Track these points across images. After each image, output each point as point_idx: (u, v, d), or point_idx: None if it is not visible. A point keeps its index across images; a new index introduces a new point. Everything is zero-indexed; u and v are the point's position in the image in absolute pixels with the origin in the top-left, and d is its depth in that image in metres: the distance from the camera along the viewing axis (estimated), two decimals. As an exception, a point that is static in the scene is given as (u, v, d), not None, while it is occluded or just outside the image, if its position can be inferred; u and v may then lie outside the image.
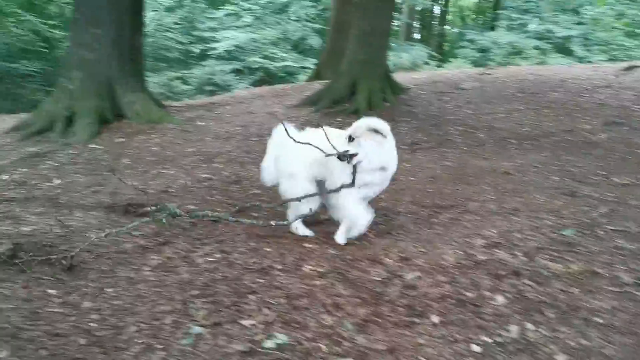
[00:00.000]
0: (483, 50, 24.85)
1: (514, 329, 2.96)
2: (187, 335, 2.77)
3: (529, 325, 3.00)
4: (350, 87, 9.40)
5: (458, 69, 16.29)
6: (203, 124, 8.79)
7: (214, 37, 22.50)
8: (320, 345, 2.75)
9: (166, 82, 20.00)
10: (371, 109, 8.91)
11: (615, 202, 5.02)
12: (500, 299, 3.26)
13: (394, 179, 4.35)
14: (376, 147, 3.85)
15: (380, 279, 3.45)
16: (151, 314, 2.93)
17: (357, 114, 8.78)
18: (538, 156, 6.50)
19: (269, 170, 4.43)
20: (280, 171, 4.26)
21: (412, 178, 5.91)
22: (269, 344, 2.71)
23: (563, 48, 24.64)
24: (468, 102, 9.67)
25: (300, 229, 4.25)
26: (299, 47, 23.13)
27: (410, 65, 19.80)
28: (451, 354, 2.74)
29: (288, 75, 21.11)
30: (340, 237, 4.07)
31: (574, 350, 2.81)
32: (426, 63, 21.26)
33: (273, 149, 4.40)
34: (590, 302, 3.28)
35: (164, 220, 4.03)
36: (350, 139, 3.80)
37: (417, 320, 3.02)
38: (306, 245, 3.93)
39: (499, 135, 7.62)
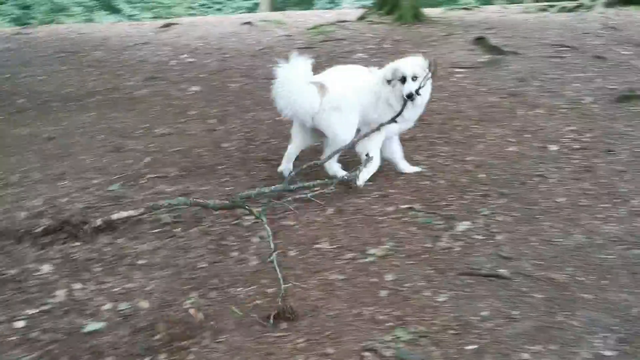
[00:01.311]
0: (25, 7, 22.78)
1: (60, 293, 2.97)
2: None
3: (77, 285, 3.06)
4: None
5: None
6: None
7: None
8: None
9: None
10: None
11: (156, 152, 5.46)
12: (46, 268, 3.21)
13: None
14: (429, 84, 4.21)
15: None
16: None
17: None
18: (83, 117, 6.43)
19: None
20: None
21: None
22: None
23: (110, 6, 24.77)
24: (1, 67, 8.77)
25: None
26: None
27: None
28: (-9, 338, 2.57)
29: None
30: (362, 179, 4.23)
31: (120, 295, 3.02)
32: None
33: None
34: (135, 247, 3.55)
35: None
36: (414, 78, 4.06)
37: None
38: None
39: (41, 98, 7.18)
